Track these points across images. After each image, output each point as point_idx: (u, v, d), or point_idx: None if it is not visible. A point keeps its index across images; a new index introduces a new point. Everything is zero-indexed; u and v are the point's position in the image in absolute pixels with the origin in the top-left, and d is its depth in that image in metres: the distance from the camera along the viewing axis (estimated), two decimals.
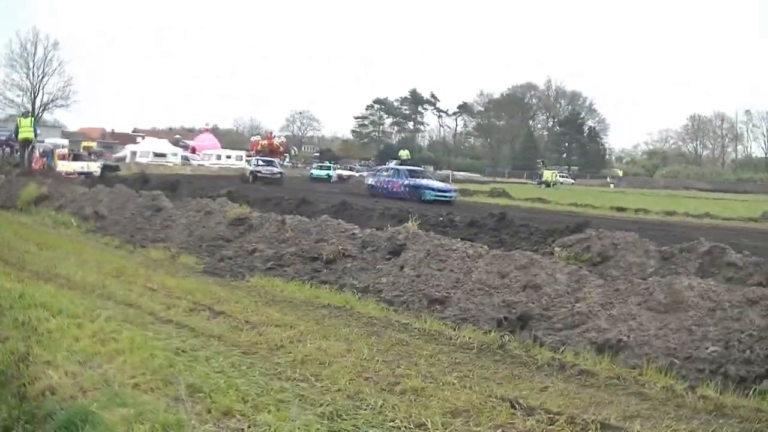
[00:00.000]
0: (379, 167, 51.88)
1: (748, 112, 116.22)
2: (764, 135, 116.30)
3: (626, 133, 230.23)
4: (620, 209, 35.35)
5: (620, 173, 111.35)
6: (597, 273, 9.77)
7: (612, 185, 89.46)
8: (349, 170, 72.74)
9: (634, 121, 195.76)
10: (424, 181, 37.21)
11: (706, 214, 33.82)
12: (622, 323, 7.84)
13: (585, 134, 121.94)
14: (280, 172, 51.12)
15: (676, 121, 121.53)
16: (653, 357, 7.22)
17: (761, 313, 7.43)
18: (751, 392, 6.46)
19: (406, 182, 36.99)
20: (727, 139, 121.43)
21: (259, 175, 48.23)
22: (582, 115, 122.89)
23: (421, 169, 45.72)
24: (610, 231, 12.69)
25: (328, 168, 68.04)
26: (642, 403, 6.21)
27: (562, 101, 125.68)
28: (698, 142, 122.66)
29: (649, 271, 10.73)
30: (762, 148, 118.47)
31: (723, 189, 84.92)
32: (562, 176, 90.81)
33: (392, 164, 54.80)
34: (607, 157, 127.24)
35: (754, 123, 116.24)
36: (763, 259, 11.00)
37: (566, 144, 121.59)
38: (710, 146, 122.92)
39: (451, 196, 35.54)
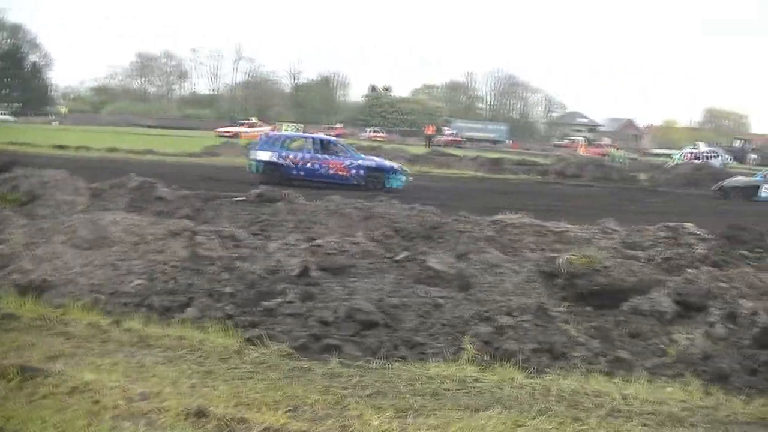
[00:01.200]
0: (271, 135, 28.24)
1: (194, 50, 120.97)
2: (210, 72, 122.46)
3: (72, 69, 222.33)
4: (61, 147, 34.20)
5: (64, 110, 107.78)
6: (24, 213, 9.37)
7: (56, 123, 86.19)
8: None
9: (80, 58, 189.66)
10: (387, 163, 24.54)
11: (149, 150, 34.60)
12: (46, 263, 7.64)
13: (27, 69, 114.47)
14: None
15: (124, 58, 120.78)
16: (78, 295, 7.19)
17: (183, 245, 7.86)
18: (175, 321, 6.80)
19: (361, 163, 23.20)
20: (174, 77, 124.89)
21: None
22: (24, 50, 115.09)
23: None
24: (40, 169, 12.25)
25: None
26: (67, 341, 6.15)
27: (3, 33, 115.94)
28: (145, 79, 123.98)
29: (80, 209, 10.65)
30: (207, 85, 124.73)
31: (169, 126, 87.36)
32: (2, 113, 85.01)
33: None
34: (52, 93, 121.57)
35: (201, 61, 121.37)
36: (191, 192, 11.68)
37: (7, 79, 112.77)
38: (158, 83, 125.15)
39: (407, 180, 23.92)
